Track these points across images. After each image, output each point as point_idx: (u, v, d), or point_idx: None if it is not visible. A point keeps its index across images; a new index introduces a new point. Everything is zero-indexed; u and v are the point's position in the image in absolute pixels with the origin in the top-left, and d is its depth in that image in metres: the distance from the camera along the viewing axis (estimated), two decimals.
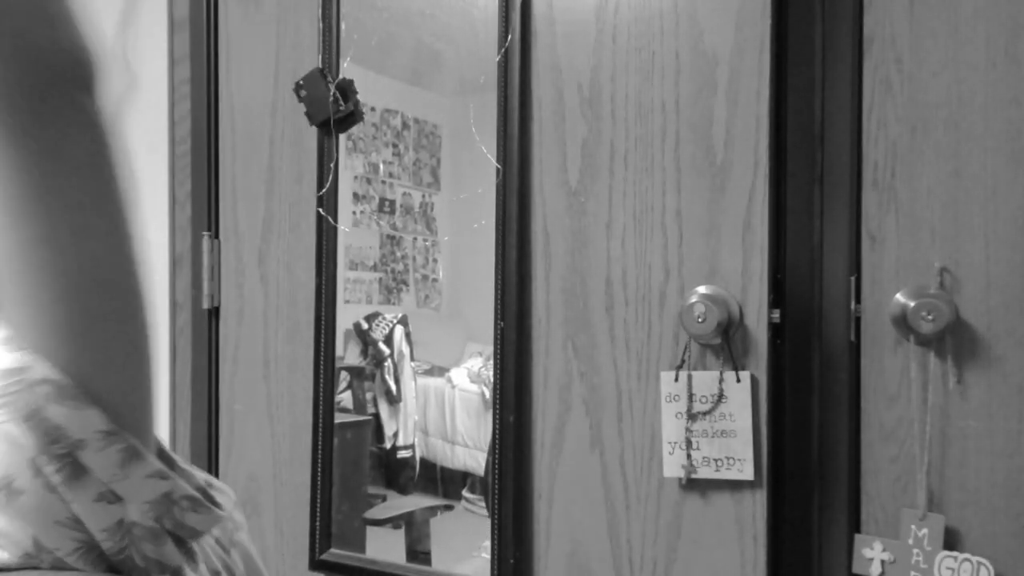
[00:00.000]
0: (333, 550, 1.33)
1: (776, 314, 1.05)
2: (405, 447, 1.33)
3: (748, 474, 1.03)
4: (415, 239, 1.33)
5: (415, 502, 1.32)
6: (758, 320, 1.04)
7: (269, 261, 1.42)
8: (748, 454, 1.03)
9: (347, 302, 1.33)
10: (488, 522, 1.19)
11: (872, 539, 1.00)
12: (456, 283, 1.31)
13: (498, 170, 1.17)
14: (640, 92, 1.11)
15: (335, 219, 1.30)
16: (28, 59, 0.44)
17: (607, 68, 1.13)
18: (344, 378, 1.37)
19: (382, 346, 1.37)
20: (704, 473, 1.05)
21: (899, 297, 0.99)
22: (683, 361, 1.07)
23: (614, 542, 1.12)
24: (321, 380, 1.32)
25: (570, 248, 1.15)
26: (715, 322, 1.02)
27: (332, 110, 1.29)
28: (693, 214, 1.08)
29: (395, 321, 1.35)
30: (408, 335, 1.37)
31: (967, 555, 0.95)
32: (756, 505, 1.04)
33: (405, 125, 1.34)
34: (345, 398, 1.36)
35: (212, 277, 1.48)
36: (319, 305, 1.30)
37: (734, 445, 1.03)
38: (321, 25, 1.32)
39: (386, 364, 1.37)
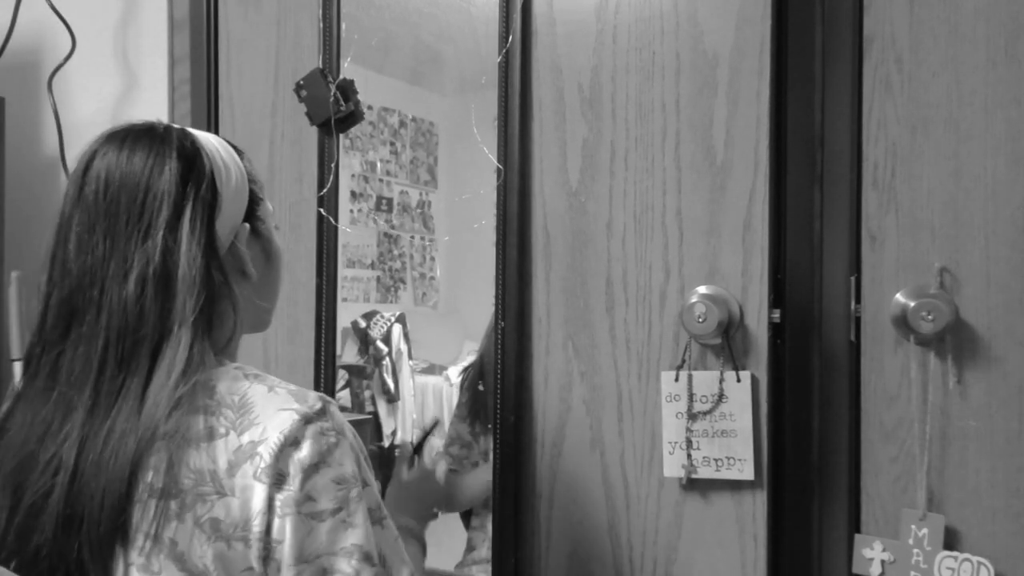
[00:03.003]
0: None
1: (776, 314, 1.05)
2: (403, 445, 1.33)
3: (748, 474, 1.03)
4: (412, 237, 1.33)
5: None
6: (758, 320, 1.04)
7: None
8: (748, 454, 1.03)
9: (345, 300, 1.33)
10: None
11: (872, 539, 1.00)
12: (453, 281, 1.31)
13: (499, 170, 1.17)
14: (640, 92, 1.11)
15: (335, 219, 1.30)
16: None
17: (607, 68, 1.13)
18: (342, 376, 1.37)
19: (380, 344, 1.37)
20: (704, 473, 1.05)
21: (899, 297, 0.99)
22: (683, 361, 1.07)
23: (614, 542, 1.11)
24: (322, 380, 1.32)
25: (570, 248, 1.15)
26: (715, 322, 1.02)
27: (333, 110, 1.28)
28: (693, 214, 1.08)
29: (393, 319, 1.35)
30: (406, 333, 1.37)
31: (967, 555, 0.95)
32: (756, 505, 1.04)
33: (403, 123, 1.34)
34: (343, 396, 1.36)
35: None
36: (319, 305, 1.30)
37: (734, 445, 1.03)
38: (321, 25, 1.31)
39: (384, 362, 1.37)
